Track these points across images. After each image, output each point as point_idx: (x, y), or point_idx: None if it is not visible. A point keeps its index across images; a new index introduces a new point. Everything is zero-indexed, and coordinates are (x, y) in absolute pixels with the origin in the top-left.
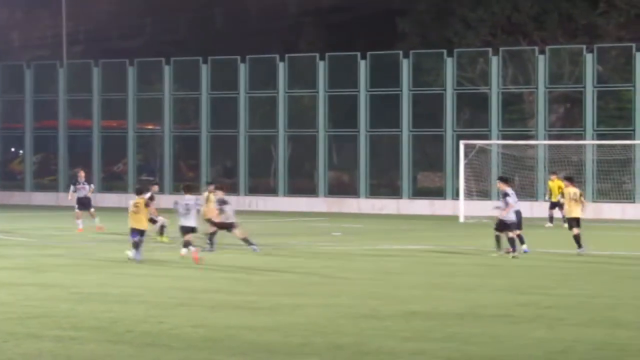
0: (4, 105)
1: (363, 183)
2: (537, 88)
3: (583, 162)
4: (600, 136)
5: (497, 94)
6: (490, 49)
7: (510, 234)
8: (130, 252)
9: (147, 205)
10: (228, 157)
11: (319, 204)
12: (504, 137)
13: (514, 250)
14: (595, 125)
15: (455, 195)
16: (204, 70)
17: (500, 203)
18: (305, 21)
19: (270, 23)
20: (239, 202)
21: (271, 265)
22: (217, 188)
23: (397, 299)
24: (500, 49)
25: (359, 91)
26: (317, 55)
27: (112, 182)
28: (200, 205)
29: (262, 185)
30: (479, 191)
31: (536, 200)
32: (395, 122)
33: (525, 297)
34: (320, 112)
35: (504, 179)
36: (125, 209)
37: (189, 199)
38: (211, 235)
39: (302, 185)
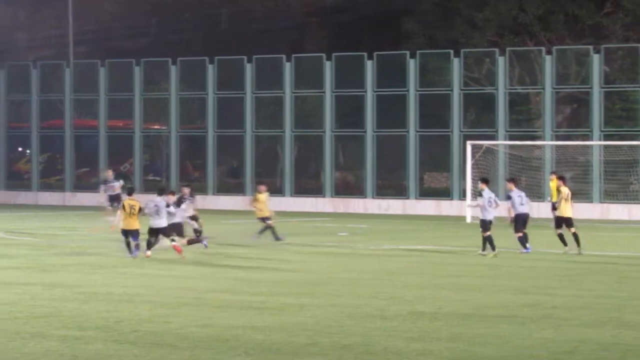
0: (10, 105)
1: (369, 183)
2: (543, 88)
3: (590, 162)
4: (607, 137)
5: (504, 95)
6: (496, 50)
7: (488, 233)
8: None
9: (140, 210)
10: (234, 157)
11: (325, 204)
12: (511, 138)
13: (483, 250)
14: (602, 125)
15: (462, 196)
16: (210, 70)
17: (479, 202)
18: (312, 21)
19: (276, 23)
20: (245, 202)
21: (277, 265)
22: (184, 187)
23: (403, 299)
24: (507, 49)
25: (365, 91)
26: (324, 55)
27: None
28: (170, 207)
29: (268, 185)
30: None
31: (543, 200)
32: (402, 122)
33: (531, 298)
34: (326, 112)
35: (511, 180)
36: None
37: (159, 200)
38: (263, 230)
39: (308, 185)
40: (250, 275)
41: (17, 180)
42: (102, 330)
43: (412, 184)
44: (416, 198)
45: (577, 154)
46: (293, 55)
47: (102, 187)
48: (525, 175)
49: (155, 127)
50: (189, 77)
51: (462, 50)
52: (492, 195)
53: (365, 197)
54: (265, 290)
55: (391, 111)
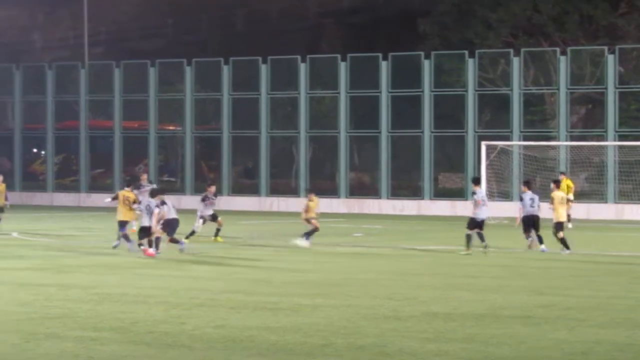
0: (25, 106)
1: (384, 184)
2: (558, 89)
3: (604, 163)
4: (622, 137)
5: (519, 95)
6: (511, 50)
7: (477, 230)
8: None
9: (134, 201)
10: (249, 158)
11: (340, 204)
12: (525, 138)
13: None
14: (616, 126)
15: None
16: (225, 71)
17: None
18: (327, 22)
19: (291, 24)
20: (260, 202)
21: (291, 266)
22: (209, 185)
23: (418, 299)
24: (522, 50)
25: (380, 92)
26: (339, 56)
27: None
28: (159, 208)
29: (283, 186)
30: (501, 192)
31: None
32: (417, 123)
33: (545, 298)
34: (341, 113)
35: (525, 183)
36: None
37: (150, 200)
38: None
39: (323, 186)
40: (264, 276)
41: (33, 182)
42: (117, 331)
43: (426, 185)
44: (431, 199)
45: (591, 155)
46: (308, 56)
47: (136, 192)
48: (540, 175)
49: (170, 128)
50: (204, 78)
51: (476, 51)
52: (484, 194)
53: (380, 198)
54: (279, 291)
55: (406, 112)
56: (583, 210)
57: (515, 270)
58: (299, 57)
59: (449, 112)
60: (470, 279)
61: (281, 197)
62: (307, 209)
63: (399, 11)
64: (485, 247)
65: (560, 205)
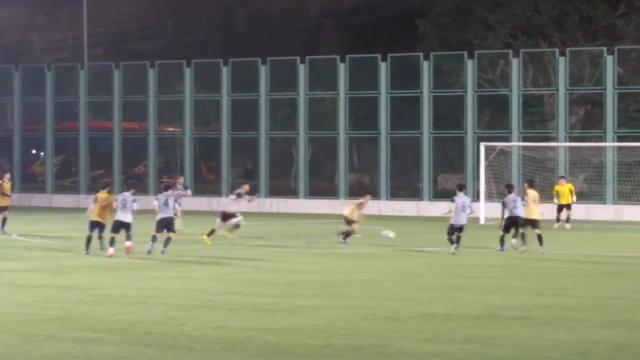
0: (24, 107)
1: (383, 185)
2: (557, 90)
3: (603, 164)
4: (621, 138)
5: (518, 96)
6: (510, 51)
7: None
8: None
9: (110, 203)
10: (248, 159)
11: (339, 206)
12: (524, 139)
13: (456, 245)
14: (615, 127)
15: (476, 197)
16: (225, 72)
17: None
18: (326, 23)
19: (290, 25)
20: (259, 203)
21: (291, 267)
22: (244, 183)
23: (417, 300)
24: (521, 50)
25: (379, 93)
26: (338, 57)
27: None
28: (136, 202)
29: (282, 187)
30: (500, 193)
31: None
32: (416, 123)
33: (544, 299)
34: (340, 114)
35: (508, 186)
36: (145, 211)
37: (128, 195)
38: (347, 233)
39: (322, 187)
40: (263, 277)
41: (32, 183)
42: (116, 332)
43: (426, 186)
44: (430, 199)
45: (590, 155)
46: (307, 57)
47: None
48: (539, 176)
49: (170, 129)
50: (204, 79)
51: (476, 52)
52: (467, 200)
53: (380, 199)
54: (278, 292)
55: (405, 113)
56: (582, 211)
57: (515, 271)
58: (298, 58)
59: (448, 113)
60: (469, 279)
61: (280, 198)
62: (357, 209)
63: (398, 12)
64: (456, 248)
65: (532, 203)
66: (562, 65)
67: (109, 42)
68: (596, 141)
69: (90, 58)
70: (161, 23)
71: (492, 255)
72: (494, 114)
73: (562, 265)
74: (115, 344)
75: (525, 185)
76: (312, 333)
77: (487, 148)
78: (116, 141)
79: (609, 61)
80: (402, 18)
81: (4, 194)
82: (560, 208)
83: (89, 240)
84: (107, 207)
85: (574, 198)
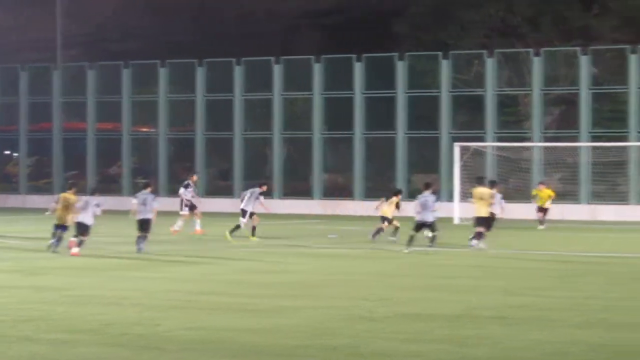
0: None
1: (358, 185)
2: (532, 90)
3: (578, 164)
4: (595, 138)
5: (493, 96)
6: (485, 51)
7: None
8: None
9: (74, 203)
10: (223, 160)
11: (315, 206)
12: (499, 139)
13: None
14: (590, 127)
15: (450, 197)
16: (200, 73)
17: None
18: (301, 23)
19: (265, 25)
20: (234, 204)
21: (266, 268)
22: (262, 184)
23: (393, 300)
24: (496, 51)
25: (354, 93)
26: (313, 57)
27: (107, 185)
28: (99, 206)
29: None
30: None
31: (531, 202)
32: (391, 124)
33: (520, 299)
34: (315, 114)
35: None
36: (119, 212)
37: (92, 198)
38: (378, 231)
39: (297, 187)
40: (240, 278)
41: (6, 183)
42: (90, 333)
43: (401, 186)
44: (405, 200)
45: (565, 156)
46: (282, 58)
47: (183, 191)
48: (514, 176)
49: (144, 129)
50: (178, 79)
51: (450, 52)
52: (430, 198)
53: (355, 199)
54: (254, 293)
55: (380, 113)
56: (557, 211)
57: (492, 271)
58: (273, 58)
59: (423, 114)
60: (446, 279)
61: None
62: (393, 207)
63: (373, 12)
64: (407, 247)
65: (478, 201)
66: (537, 65)
67: (83, 42)
68: (571, 141)
69: (66, 58)
70: (135, 24)
71: (469, 255)
72: (469, 114)
73: (539, 266)
74: (89, 345)
75: (476, 185)
76: (286, 333)
77: (461, 148)
78: (90, 142)
79: (584, 61)
80: (377, 18)
81: None
82: (540, 209)
83: (54, 235)
84: (68, 208)
85: (549, 203)
